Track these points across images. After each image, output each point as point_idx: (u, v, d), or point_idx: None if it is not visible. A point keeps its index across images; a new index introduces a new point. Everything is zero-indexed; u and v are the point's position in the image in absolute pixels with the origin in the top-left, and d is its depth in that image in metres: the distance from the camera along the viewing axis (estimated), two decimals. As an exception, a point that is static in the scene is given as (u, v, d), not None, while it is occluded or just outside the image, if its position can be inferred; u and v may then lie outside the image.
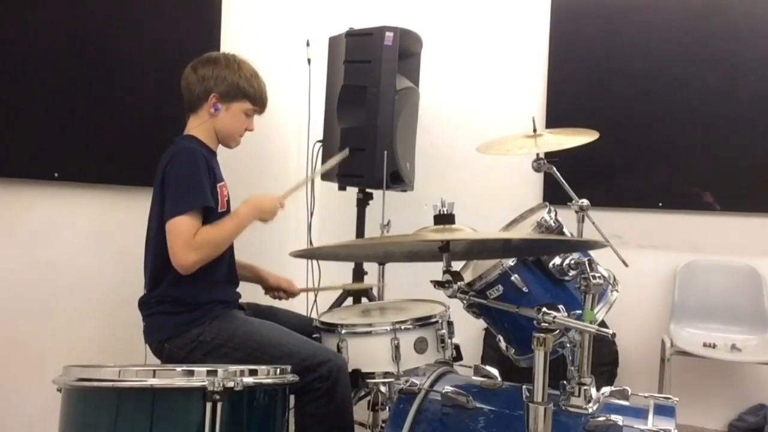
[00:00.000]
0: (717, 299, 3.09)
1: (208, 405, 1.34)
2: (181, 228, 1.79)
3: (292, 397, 1.74)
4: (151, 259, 1.93)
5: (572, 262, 1.55)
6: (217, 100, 1.99)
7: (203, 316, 1.87)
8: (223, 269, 1.97)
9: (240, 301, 2.09)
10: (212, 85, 1.99)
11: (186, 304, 1.87)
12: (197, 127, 2.01)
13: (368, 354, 1.91)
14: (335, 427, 1.84)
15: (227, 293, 2.00)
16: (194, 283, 1.85)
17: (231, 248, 2.03)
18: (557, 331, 1.43)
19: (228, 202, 2.01)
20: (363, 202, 3.01)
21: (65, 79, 2.23)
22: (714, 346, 2.86)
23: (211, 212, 1.89)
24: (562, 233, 1.69)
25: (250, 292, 2.20)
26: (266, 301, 2.24)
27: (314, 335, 2.00)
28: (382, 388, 2.00)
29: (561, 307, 1.47)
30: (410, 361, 1.90)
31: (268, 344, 1.84)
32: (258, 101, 2.05)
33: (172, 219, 1.80)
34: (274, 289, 2.27)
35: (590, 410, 1.47)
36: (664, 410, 1.47)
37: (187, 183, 1.84)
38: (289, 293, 2.29)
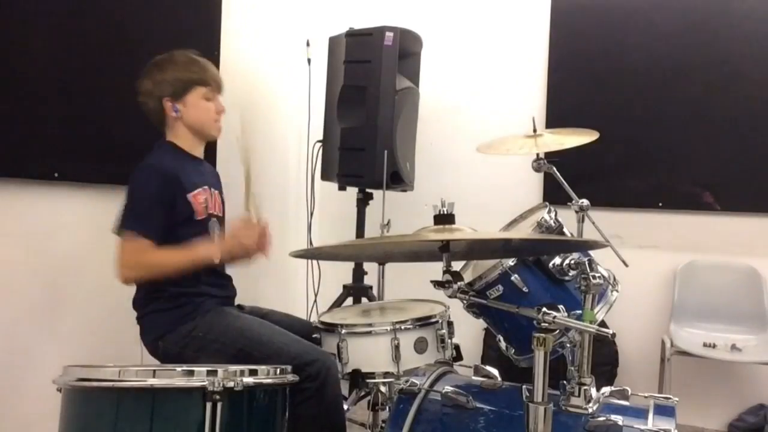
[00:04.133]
0: (717, 299, 3.09)
1: (208, 405, 1.34)
2: (125, 244, 1.83)
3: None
4: None
5: (572, 262, 1.55)
6: (171, 101, 1.99)
7: (194, 310, 1.88)
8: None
9: (241, 303, 2.09)
10: (159, 93, 1.99)
11: (175, 298, 1.87)
12: (171, 133, 2.02)
13: (368, 354, 1.91)
14: (326, 428, 1.83)
15: (216, 286, 1.99)
16: (181, 281, 1.86)
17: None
18: (557, 331, 1.43)
19: (206, 208, 1.98)
20: (363, 202, 3.02)
21: (65, 79, 2.23)
22: (714, 346, 2.86)
23: (187, 222, 1.91)
24: (562, 233, 1.69)
25: (251, 295, 2.20)
26: (267, 304, 2.23)
27: (314, 335, 2.00)
28: (382, 388, 2.00)
29: (561, 307, 1.47)
30: (410, 361, 1.90)
31: (258, 341, 1.84)
32: (207, 82, 2.02)
33: (124, 233, 1.83)
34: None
35: (590, 410, 1.47)
36: (664, 410, 1.47)
37: (139, 205, 1.87)
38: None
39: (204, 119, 2.03)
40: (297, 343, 1.87)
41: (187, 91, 1.99)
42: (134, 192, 1.88)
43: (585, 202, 1.97)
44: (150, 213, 1.86)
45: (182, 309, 1.87)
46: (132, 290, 1.96)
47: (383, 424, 2.00)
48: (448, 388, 1.53)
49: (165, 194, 1.89)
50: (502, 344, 1.72)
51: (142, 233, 1.82)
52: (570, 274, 1.56)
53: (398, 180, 2.88)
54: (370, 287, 2.93)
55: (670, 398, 1.53)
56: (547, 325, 1.23)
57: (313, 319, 2.55)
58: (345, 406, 1.94)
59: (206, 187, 2.00)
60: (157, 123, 2.04)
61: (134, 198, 1.87)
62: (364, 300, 2.93)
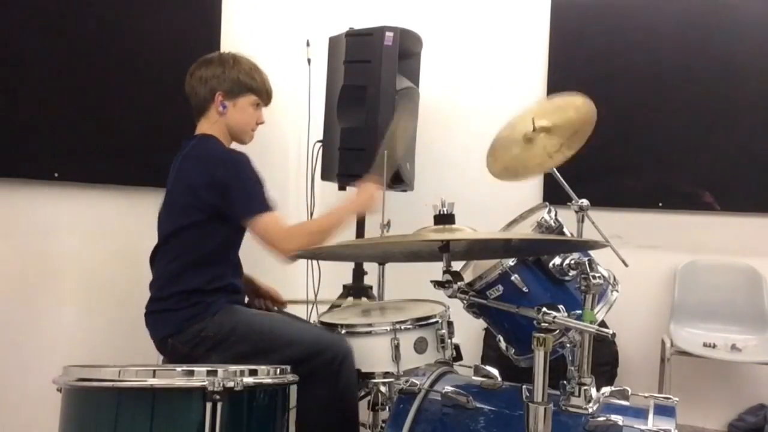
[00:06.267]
0: (717, 299, 3.09)
1: (208, 405, 1.34)
2: (275, 220, 1.86)
3: (292, 398, 1.73)
4: (162, 259, 1.95)
5: (572, 262, 1.55)
6: (223, 97, 2.01)
7: (205, 310, 1.88)
8: (232, 260, 2.00)
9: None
10: (215, 85, 2.01)
11: (189, 298, 1.88)
12: (209, 127, 2.03)
13: (368, 354, 1.91)
14: (338, 412, 1.85)
15: (232, 280, 2.00)
16: (202, 273, 1.88)
17: (240, 239, 2.04)
18: (557, 331, 1.43)
19: None
20: (363, 202, 3.01)
21: (65, 79, 2.23)
22: (714, 346, 2.86)
23: None
24: (562, 233, 1.69)
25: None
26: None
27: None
28: (382, 388, 2.00)
29: (561, 307, 1.47)
30: (410, 361, 1.90)
31: (270, 334, 1.86)
32: (262, 93, 2.09)
33: (263, 215, 1.85)
34: (263, 297, 2.26)
35: (590, 410, 1.47)
36: (664, 410, 1.47)
37: (260, 188, 1.90)
38: (276, 302, 2.27)
39: (245, 125, 2.07)
40: (309, 330, 1.91)
41: (242, 94, 2.04)
42: (246, 178, 1.89)
43: (585, 202, 1.96)
44: (267, 194, 1.91)
45: (193, 309, 1.87)
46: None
47: (383, 424, 2.01)
48: (448, 388, 1.53)
49: None
50: (502, 344, 1.72)
51: (275, 211, 1.87)
52: (570, 274, 1.56)
53: (398, 180, 2.88)
54: (370, 287, 2.93)
55: (670, 398, 1.53)
56: (547, 325, 1.23)
57: (313, 319, 2.56)
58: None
59: None
60: (195, 110, 2.06)
61: (250, 183, 1.89)
62: (364, 300, 2.92)
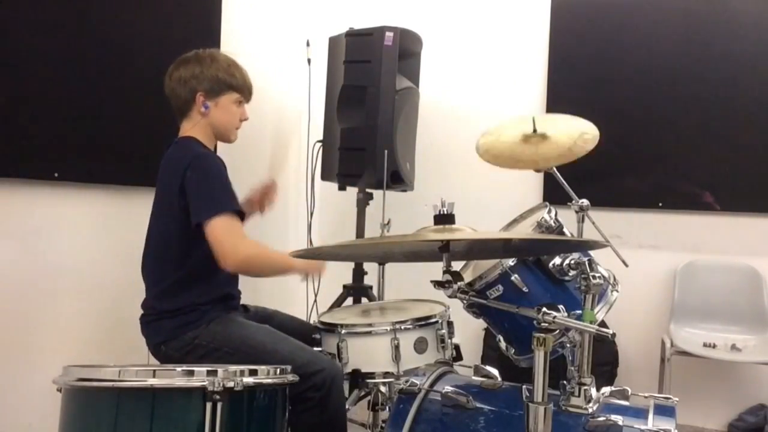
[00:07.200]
0: (717, 299, 3.09)
1: (208, 405, 1.34)
2: (230, 224, 1.79)
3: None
4: (152, 263, 1.94)
5: (572, 262, 1.54)
6: (204, 97, 1.98)
7: (199, 318, 1.87)
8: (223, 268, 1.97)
9: (245, 303, 2.09)
10: (195, 85, 1.98)
11: (183, 306, 1.87)
12: (191, 129, 2.01)
13: (368, 354, 1.91)
14: None
15: (227, 290, 1.99)
16: (195, 285, 1.86)
17: None
18: (557, 331, 1.43)
19: None
20: (363, 202, 3.01)
21: (65, 79, 2.23)
22: (714, 346, 2.86)
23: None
24: (562, 233, 1.69)
25: (252, 295, 2.20)
26: (267, 304, 2.23)
27: (314, 335, 2.00)
28: (382, 388, 2.00)
29: (561, 307, 1.47)
30: (410, 361, 1.90)
31: (263, 350, 1.83)
32: (243, 89, 2.05)
33: (217, 217, 1.78)
34: (260, 201, 2.25)
35: (590, 410, 1.47)
36: (664, 410, 1.47)
37: (221, 187, 1.85)
38: (269, 190, 2.26)
39: (229, 123, 2.04)
40: (302, 351, 1.86)
41: (223, 92, 2.01)
42: (209, 177, 1.85)
43: (585, 202, 1.96)
44: (233, 193, 1.88)
45: (187, 316, 1.86)
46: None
47: (383, 424, 2.01)
48: (448, 388, 1.53)
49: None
50: (502, 344, 1.71)
51: (238, 214, 1.83)
52: (570, 274, 1.55)
53: (398, 180, 2.88)
54: (370, 287, 2.93)
55: (670, 398, 1.53)
56: (547, 325, 1.23)
57: (313, 319, 2.56)
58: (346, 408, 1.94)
59: None
60: (178, 112, 2.03)
61: (214, 182, 1.85)
62: (364, 300, 2.93)
